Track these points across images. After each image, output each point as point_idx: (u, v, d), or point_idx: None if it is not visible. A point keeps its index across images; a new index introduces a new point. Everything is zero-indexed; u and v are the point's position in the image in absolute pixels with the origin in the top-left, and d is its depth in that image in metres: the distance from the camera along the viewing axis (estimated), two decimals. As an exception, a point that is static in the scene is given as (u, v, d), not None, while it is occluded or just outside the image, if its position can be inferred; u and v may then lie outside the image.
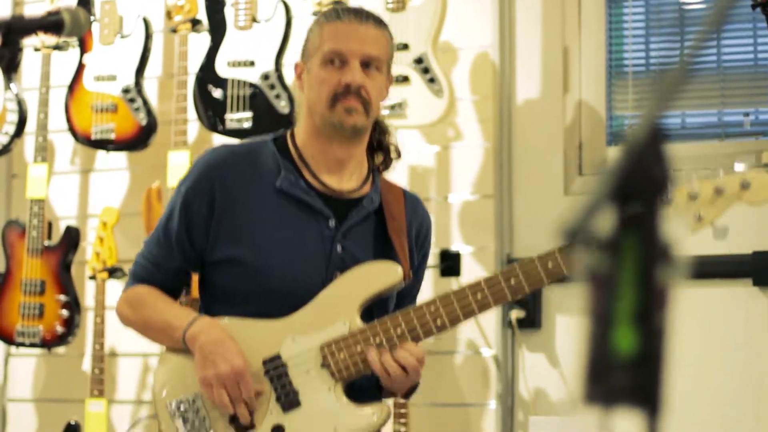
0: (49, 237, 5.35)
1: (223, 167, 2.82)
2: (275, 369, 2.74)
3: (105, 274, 5.15)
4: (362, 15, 2.83)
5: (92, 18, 5.34)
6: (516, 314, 4.80)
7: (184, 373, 2.78)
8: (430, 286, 4.97)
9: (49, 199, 5.54)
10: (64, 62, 5.48)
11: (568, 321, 4.78)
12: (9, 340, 5.33)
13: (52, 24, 2.19)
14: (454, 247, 4.96)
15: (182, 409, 2.77)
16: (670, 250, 1.07)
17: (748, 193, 2.74)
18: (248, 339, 2.73)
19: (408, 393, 2.82)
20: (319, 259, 2.78)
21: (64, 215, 5.59)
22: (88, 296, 5.43)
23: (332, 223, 2.81)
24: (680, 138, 4.83)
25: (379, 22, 2.85)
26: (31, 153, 5.45)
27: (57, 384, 5.59)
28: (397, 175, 4.81)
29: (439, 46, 4.87)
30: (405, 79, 4.81)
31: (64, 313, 5.24)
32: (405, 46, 4.81)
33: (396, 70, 4.81)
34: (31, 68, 5.64)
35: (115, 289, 5.16)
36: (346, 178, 2.87)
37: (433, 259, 4.91)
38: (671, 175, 1.08)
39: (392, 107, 4.80)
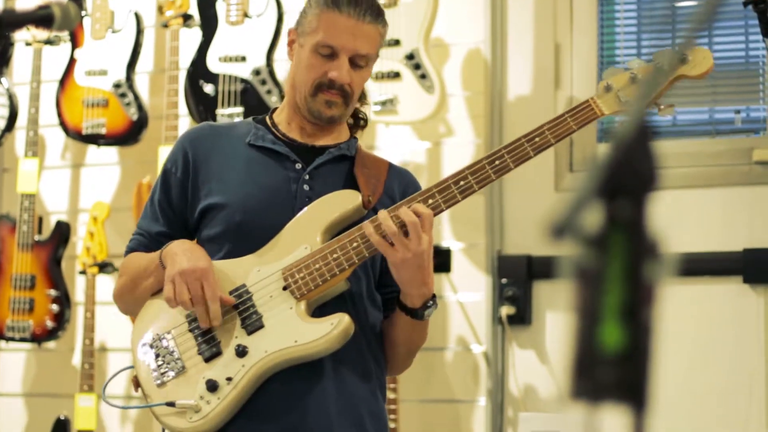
0: (40, 232, 5.35)
1: (199, 137, 2.95)
2: (240, 297, 2.80)
3: (95, 269, 5.15)
4: (361, 8, 2.84)
5: (83, 12, 5.33)
6: (506, 311, 4.81)
7: (159, 314, 2.85)
8: (420, 283, 4.97)
9: (40, 193, 5.53)
10: (56, 57, 5.47)
11: (559, 318, 4.78)
12: (-1, 335, 5.33)
13: (41, 18, 2.18)
14: (445, 244, 4.96)
15: (153, 345, 2.84)
16: (658, 246, 1.07)
17: (686, 66, 2.77)
18: (218, 275, 2.79)
19: (424, 306, 2.80)
20: (285, 199, 2.84)
21: (55, 210, 5.58)
22: (78, 291, 5.43)
23: (299, 165, 2.88)
24: (671, 135, 4.83)
25: (376, 14, 2.87)
26: (22, 147, 5.44)
27: (47, 379, 5.59)
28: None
29: (430, 42, 4.87)
30: (396, 75, 4.81)
31: (54, 307, 5.24)
32: (396, 42, 4.81)
33: (387, 66, 4.83)
34: (22, 63, 5.63)
35: (105, 284, 5.16)
36: (321, 142, 2.94)
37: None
38: (659, 172, 1.08)
39: (383, 103, 4.80)
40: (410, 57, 4.80)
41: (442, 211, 2.78)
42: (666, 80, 2.67)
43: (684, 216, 4.62)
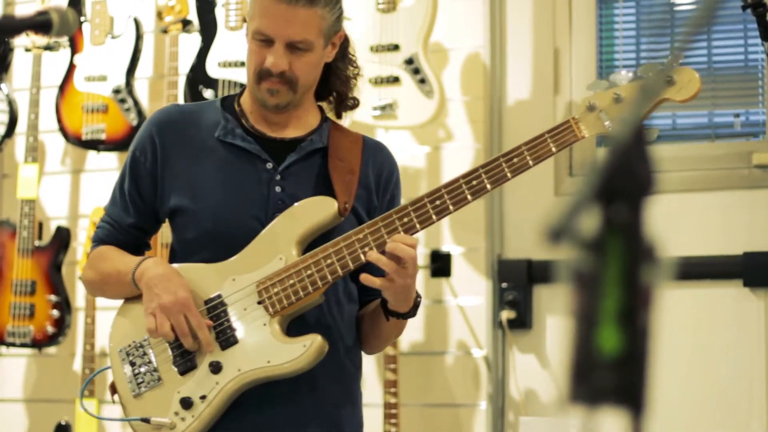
0: (40, 237, 5.35)
1: (165, 122, 2.89)
2: (215, 308, 2.78)
3: (95, 275, 5.15)
4: None
5: (83, 18, 5.34)
6: (506, 315, 4.81)
7: (136, 321, 2.83)
8: (420, 287, 4.97)
9: (40, 199, 5.54)
10: (55, 63, 5.48)
11: (559, 322, 4.78)
12: (0, 341, 5.34)
13: (40, 24, 2.19)
14: (444, 248, 4.96)
15: (129, 353, 2.83)
16: (655, 250, 1.07)
17: (673, 88, 2.73)
18: (192, 282, 2.77)
19: (413, 309, 2.79)
20: (258, 202, 2.80)
21: (55, 215, 5.59)
22: (78, 296, 5.43)
23: (270, 165, 2.83)
24: (671, 139, 4.83)
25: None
26: (22, 153, 5.45)
27: (47, 384, 5.59)
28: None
29: (430, 47, 4.87)
30: (396, 80, 4.81)
31: (55, 313, 5.24)
32: (396, 47, 4.82)
33: (386, 70, 4.83)
34: (22, 69, 5.63)
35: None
36: (290, 132, 2.89)
37: (423, 259, 4.92)
38: (656, 176, 1.09)
39: (383, 108, 4.81)
40: (409, 62, 4.80)
41: (416, 231, 2.75)
42: (651, 104, 2.61)
43: (684, 219, 4.62)
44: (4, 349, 5.51)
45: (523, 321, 4.83)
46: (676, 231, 4.51)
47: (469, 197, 2.74)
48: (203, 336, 2.74)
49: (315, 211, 2.79)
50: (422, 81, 4.79)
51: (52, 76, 5.46)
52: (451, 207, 2.74)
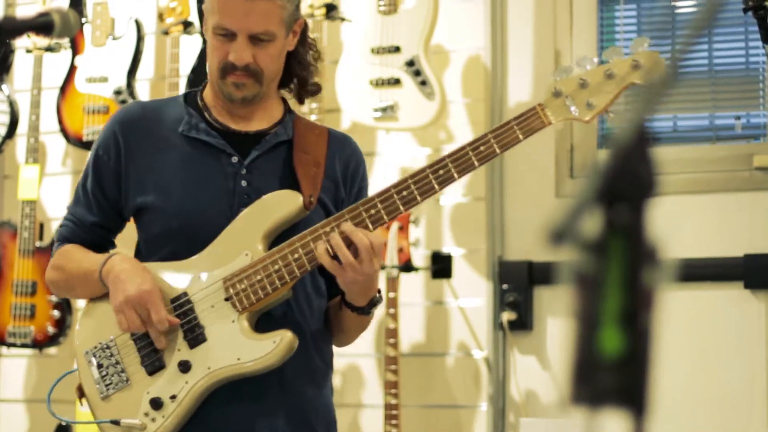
0: (41, 238, 5.35)
1: (128, 120, 2.87)
2: (182, 306, 2.76)
3: (96, 276, 5.15)
4: None
5: (84, 20, 5.34)
6: (507, 316, 4.81)
7: (101, 320, 2.81)
8: (421, 288, 4.97)
9: (41, 200, 5.54)
10: (56, 64, 5.48)
11: (560, 323, 4.78)
12: (0, 341, 5.33)
13: (41, 25, 2.19)
14: (445, 250, 4.96)
15: (96, 355, 2.82)
16: (657, 252, 1.07)
17: (638, 72, 2.72)
18: (158, 280, 2.76)
19: (370, 304, 2.78)
20: (223, 196, 2.78)
21: (56, 216, 5.58)
22: (79, 298, 5.43)
23: (235, 159, 2.81)
24: (672, 141, 4.83)
25: None
26: (23, 154, 5.45)
27: (48, 385, 5.56)
28: (388, 177, 4.82)
29: (430, 49, 4.87)
30: (397, 82, 4.81)
31: (56, 313, 5.24)
32: (397, 49, 4.82)
33: (387, 72, 4.83)
34: (23, 70, 5.63)
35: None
36: (255, 125, 2.87)
37: (424, 261, 4.92)
38: (658, 177, 1.09)
39: (384, 110, 4.80)
40: (410, 63, 4.80)
41: (383, 222, 2.74)
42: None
43: (685, 222, 4.62)
44: (4, 349, 5.51)
45: (523, 322, 4.83)
46: (676, 233, 4.51)
47: (436, 187, 2.73)
48: (164, 330, 2.72)
49: (280, 205, 2.77)
50: (423, 83, 4.79)
51: (53, 77, 5.46)
52: (418, 198, 2.72)
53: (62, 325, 5.25)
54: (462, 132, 4.99)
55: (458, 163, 2.74)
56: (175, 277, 2.78)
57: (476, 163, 2.74)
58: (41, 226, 5.38)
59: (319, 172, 2.83)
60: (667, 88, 1.09)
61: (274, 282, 2.73)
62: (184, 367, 2.73)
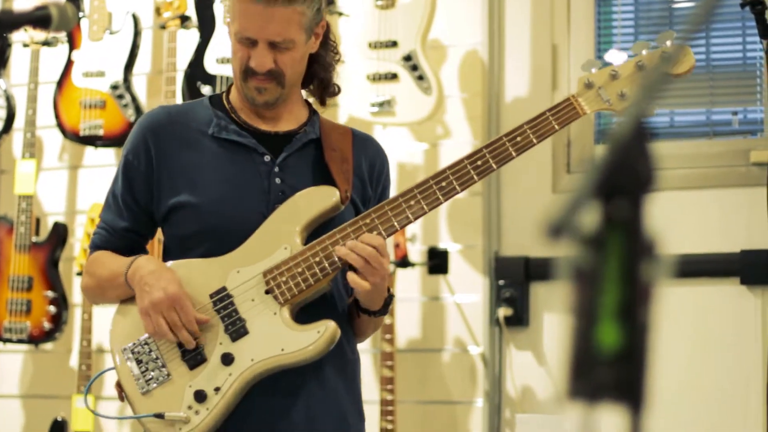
0: (37, 233, 5.34)
1: (157, 124, 2.89)
2: (221, 301, 2.78)
3: (93, 271, 5.15)
4: None
5: (81, 14, 5.33)
6: (503, 312, 4.81)
7: (137, 318, 2.82)
8: (418, 283, 4.97)
9: (37, 195, 5.53)
10: (53, 58, 5.47)
11: (556, 319, 4.78)
12: (-4, 336, 5.33)
13: (39, 18, 2.18)
14: (442, 245, 4.96)
15: (134, 351, 2.82)
16: (655, 246, 1.07)
17: (668, 64, 2.73)
18: (194, 278, 2.78)
19: (385, 305, 2.83)
20: (258, 195, 2.81)
21: (52, 211, 5.58)
22: (75, 293, 5.42)
23: (267, 158, 2.84)
24: (669, 136, 4.83)
25: None
26: (20, 149, 5.44)
27: (44, 380, 5.59)
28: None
29: (428, 44, 4.87)
30: (394, 77, 4.81)
31: (52, 309, 5.24)
32: (394, 44, 4.82)
33: (384, 67, 4.83)
34: (19, 64, 5.63)
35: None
36: (282, 125, 2.90)
37: (420, 256, 4.92)
38: (656, 173, 1.08)
39: (381, 104, 4.80)
40: (407, 58, 4.80)
41: (425, 213, 2.85)
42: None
43: (681, 217, 4.62)
44: (0, 345, 5.50)
45: (520, 318, 4.83)
46: (673, 228, 4.51)
47: (475, 177, 2.80)
48: (194, 330, 2.74)
49: (317, 199, 2.81)
50: (420, 78, 4.79)
51: (50, 71, 5.46)
52: (458, 188, 2.80)
53: (58, 321, 5.24)
54: (459, 127, 4.99)
55: (495, 154, 2.80)
56: (212, 273, 2.80)
57: (514, 153, 2.80)
58: (38, 221, 5.38)
59: (348, 168, 2.88)
60: (664, 84, 1.09)
61: (316, 274, 2.76)
62: (227, 359, 2.75)
